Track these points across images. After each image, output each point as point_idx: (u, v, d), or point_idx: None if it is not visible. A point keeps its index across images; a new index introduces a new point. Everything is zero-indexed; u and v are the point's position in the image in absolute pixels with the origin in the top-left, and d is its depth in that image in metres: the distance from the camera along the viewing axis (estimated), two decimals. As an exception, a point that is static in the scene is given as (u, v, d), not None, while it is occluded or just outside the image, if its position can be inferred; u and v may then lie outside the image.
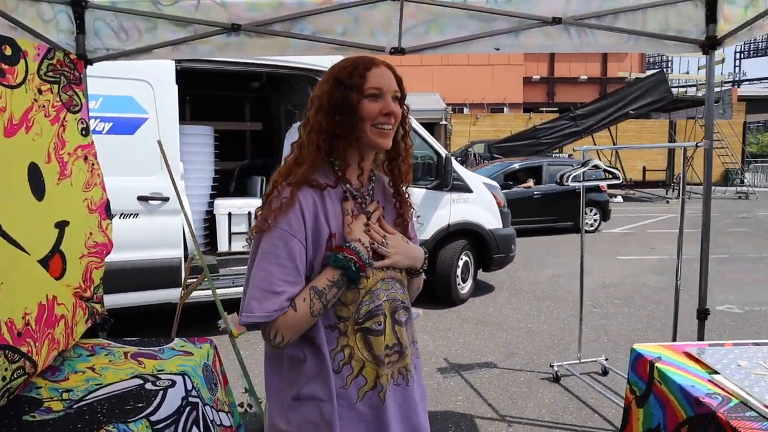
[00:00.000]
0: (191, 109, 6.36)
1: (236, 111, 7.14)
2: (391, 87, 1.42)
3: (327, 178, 1.44)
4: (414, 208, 1.65)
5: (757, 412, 1.60)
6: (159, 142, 2.80)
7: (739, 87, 39.45)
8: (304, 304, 1.34)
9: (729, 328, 5.30)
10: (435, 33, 2.73)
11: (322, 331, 1.39)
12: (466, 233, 6.21)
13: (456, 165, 6.26)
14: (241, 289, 5.15)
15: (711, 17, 2.73)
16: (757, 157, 32.34)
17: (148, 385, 1.89)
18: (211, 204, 5.71)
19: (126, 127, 4.33)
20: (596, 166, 4.05)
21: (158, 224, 4.42)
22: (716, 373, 1.85)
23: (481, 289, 6.79)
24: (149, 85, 4.43)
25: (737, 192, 21.25)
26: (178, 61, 4.45)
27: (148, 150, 4.34)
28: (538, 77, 31.22)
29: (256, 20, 2.68)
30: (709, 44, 2.79)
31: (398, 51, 2.73)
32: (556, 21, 2.69)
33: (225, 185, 6.53)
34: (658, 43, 2.88)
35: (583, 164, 4.08)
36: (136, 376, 1.97)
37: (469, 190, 6.22)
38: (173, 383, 1.91)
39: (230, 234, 5.42)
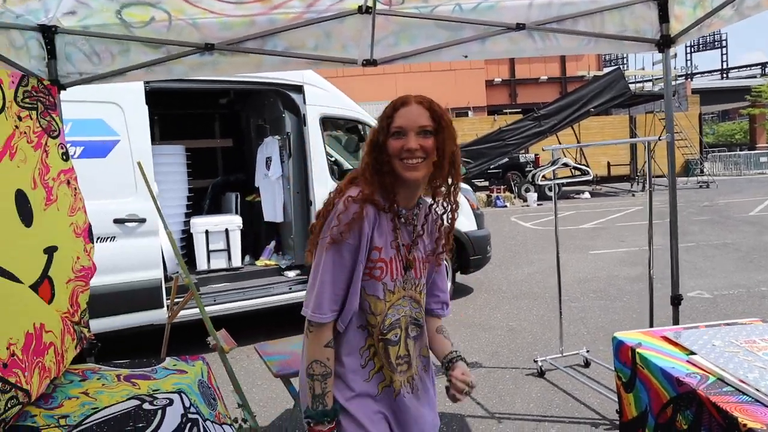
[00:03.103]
0: (161, 129, 6.33)
1: (206, 128, 7.12)
2: (416, 123, 1.52)
3: (384, 201, 1.58)
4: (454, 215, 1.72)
5: (734, 387, 1.70)
6: (139, 164, 2.81)
7: (692, 80, 40.72)
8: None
9: (701, 312, 5.49)
10: (405, 43, 2.80)
11: (355, 332, 1.58)
12: (443, 237, 6.27)
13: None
14: (222, 306, 5.09)
15: (663, 17, 2.87)
16: (713, 147, 33.43)
17: (146, 405, 1.91)
18: (186, 223, 5.69)
19: (98, 150, 4.30)
20: (566, 164, 4.19)
21: (136, 246, 4.39)
22: (693, 353, 1.95)
23: (459, 291, 6.88)
24: (119, 107, 4.41)
25: (698, 181, 21.93)
26: (147, 82, 4.44)
27: (121, 172, 4.33)
28: (500, 80, 31.69)
29: (228, 39, 2.71)
30: (664, 42, 2.93)
31: (370, 63, 2.80)
32: (520, 27, 2.79)
33: (199, 203, 6.50)
34: (617, 43, 3.01)
35: (553, 163, 4.22)
36: (132, 398, 1.97)
37: None
38: (171, 402, 1.93)
39: (208, 252, 5.40)
